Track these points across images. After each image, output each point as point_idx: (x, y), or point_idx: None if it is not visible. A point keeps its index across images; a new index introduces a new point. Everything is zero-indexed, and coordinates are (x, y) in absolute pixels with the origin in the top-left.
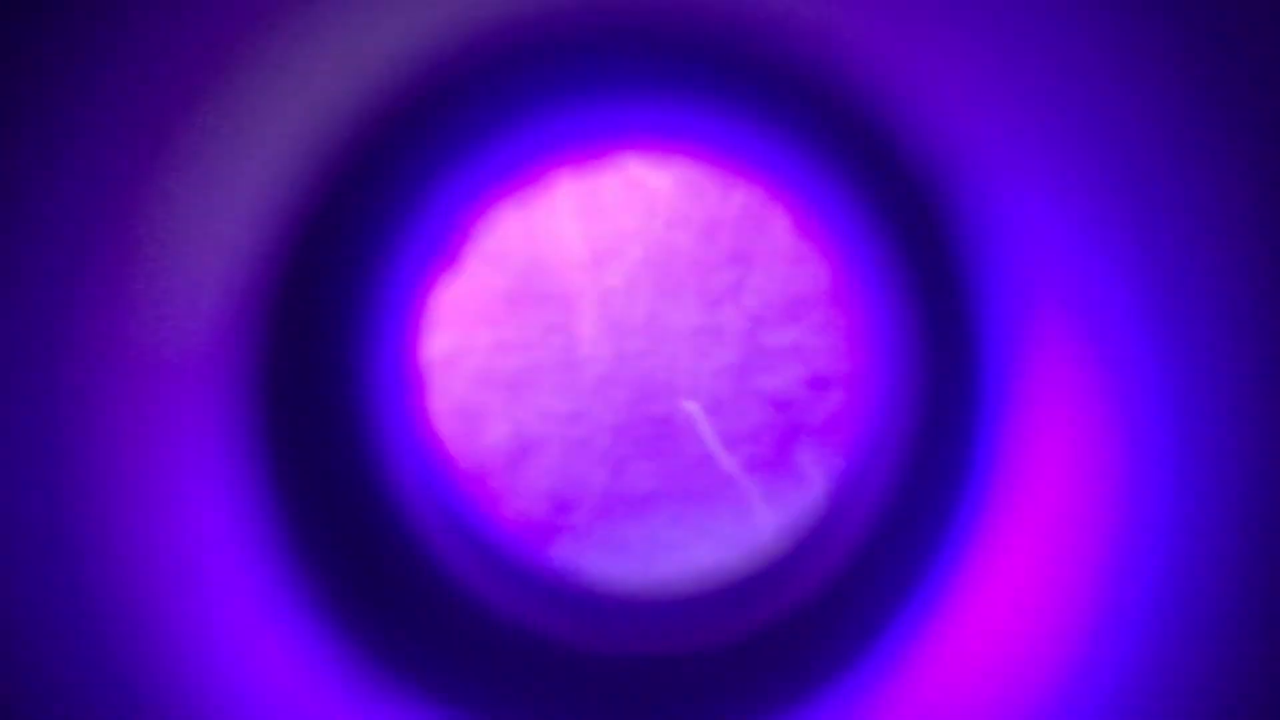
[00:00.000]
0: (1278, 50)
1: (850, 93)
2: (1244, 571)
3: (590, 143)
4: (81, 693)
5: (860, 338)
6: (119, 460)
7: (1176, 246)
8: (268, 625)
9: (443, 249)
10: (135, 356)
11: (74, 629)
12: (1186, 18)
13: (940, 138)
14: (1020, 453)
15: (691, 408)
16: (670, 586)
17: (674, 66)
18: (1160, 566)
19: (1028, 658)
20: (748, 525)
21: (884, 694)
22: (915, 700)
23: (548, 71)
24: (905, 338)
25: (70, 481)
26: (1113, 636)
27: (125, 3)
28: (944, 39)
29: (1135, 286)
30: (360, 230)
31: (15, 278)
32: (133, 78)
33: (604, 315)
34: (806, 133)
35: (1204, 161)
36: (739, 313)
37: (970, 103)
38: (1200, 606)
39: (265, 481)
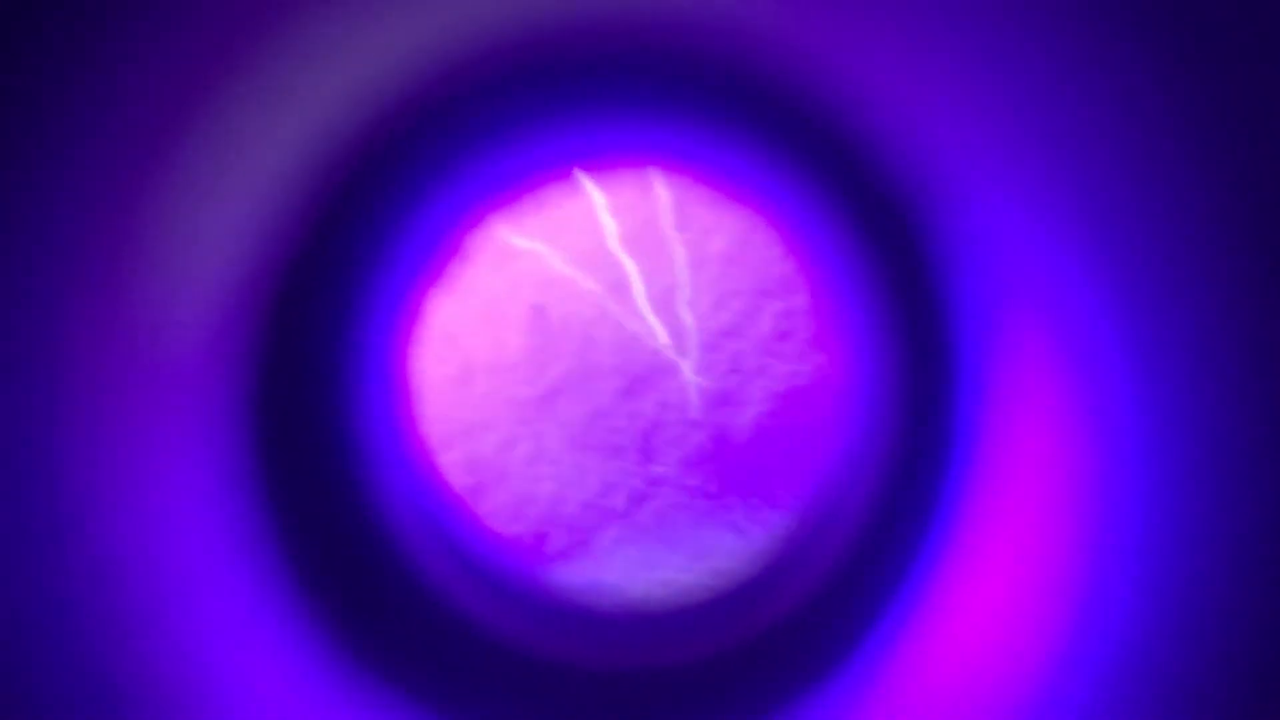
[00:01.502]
0: (1244, 58)
1: (825, 108)
2: (1217, 569)
3: (578, 161)
4: (68, 697)
5: (838, 352)
6: (111, 472)
7: (1147, 253)
8: (255, 634)
9: (433, 266)
10: (127, 371)
11: (62, 636)
12: (1152, 31)
13: (914, 150)
14: (996, 461)
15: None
16: (650, 602)
17: (656, 87)
18: (1134, 571)
19: (1006, 663)
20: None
21: (863, 703)
22: (893, 711)
23: (537, 93)
24: (882, 350)
25: (61, 495)
26: (1089, 642)
27: (120, 20)
28: (918, 55)
29: (1107, 293)
30: (352, 247)
31: (9, 290)
32: (127, 96)
33: None
34: (782, 148)
35: (1174, 170)
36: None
37: (944, 115)
38: (1175, 608)
39: (254, 491)
